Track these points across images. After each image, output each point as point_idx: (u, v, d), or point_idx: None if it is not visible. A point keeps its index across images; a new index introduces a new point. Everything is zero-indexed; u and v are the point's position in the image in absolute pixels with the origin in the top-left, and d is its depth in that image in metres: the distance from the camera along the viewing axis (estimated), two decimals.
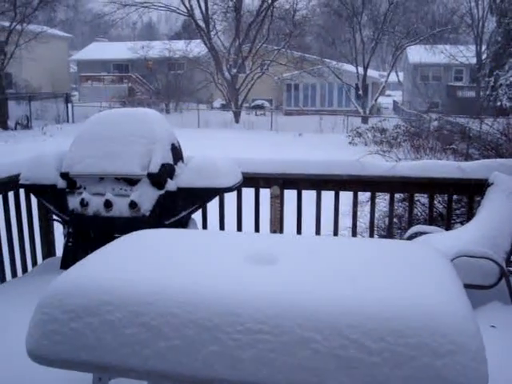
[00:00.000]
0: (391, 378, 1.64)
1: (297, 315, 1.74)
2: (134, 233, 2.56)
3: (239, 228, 4.42)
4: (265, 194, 4.35)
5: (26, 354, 2.31)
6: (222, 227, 4.42)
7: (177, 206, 3.79)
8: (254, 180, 4.20)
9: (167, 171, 3.73)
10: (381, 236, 5.56)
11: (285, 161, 4.31)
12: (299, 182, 4.21)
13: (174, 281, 1.91)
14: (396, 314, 1.72)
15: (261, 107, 37.96)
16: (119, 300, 1.83)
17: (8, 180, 4.10)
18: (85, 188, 3.84)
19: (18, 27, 31.68)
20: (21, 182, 4.05)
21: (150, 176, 3.67)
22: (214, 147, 15.22)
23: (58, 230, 4.78)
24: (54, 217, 4.40)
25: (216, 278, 1.94)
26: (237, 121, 32.43)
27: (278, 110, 37.06)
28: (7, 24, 31.48)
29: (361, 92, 35.47)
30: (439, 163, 4.22)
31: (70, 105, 31.47)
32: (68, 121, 29.93)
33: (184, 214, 3.83)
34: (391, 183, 4.09)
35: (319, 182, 4.18)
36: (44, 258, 4.72)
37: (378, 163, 4.29)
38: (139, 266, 2.04)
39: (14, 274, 4.36)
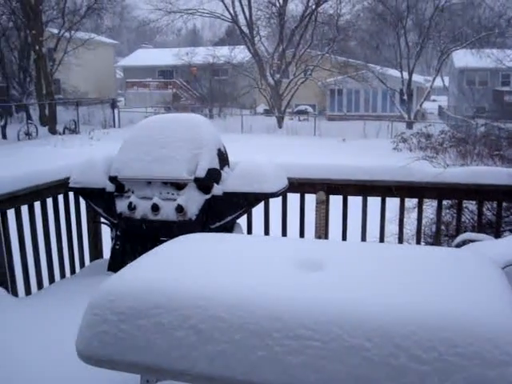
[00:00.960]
0: None
1: (346, 322, 1.72)
2: (183, 236, 2.58)
3: (284, 233, 4.42)
4: (310, 199, 4.33)
5: (73, 354, 2.36)
6: (266, 232, 4.42)
7: (222, 210, 3.81)
8: (299, 185, 4.19)
9: (213, 176, 3.76)
10: (428, 243, 5.47)
11: (331, 166, 4.28)
12: (345, 188, 4.17)
13: (223, 285, 1.91)
14: (448, 323, 1.69)
15: (304, 112, 37.90)
16: (169, 303, 1.85)
17: (58, 183, 4.19)
18: (133, 192, 3.90)
19: (67, 34, 32.49)
20: (70, 185, 4.14)
21: (197, 180, 3.70)
22: (258, 152, 15.27)
23: (105, 232, 4.87)
24: (102, 219, 4.48)
25: (265, 283, 1.94)
26: (280, 126, 32.45)
27: (322, 116, 36.92)
28: (56, 31, 32.32)
29: (405, 97, 35.05)
30: (489, 169, 4.13)
31: (116, 110, 32.03)
32: (114, 126, 30.46)
33: (229, 218, 3.85)
34: (439, 189, 4.02)
35: (365, 188, 4.14)
36: (91, 259, 4.81)
37: (426, 169, 4.22)
38: (188, 270, 2.06)
39: (63, 275, 4.45)
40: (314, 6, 33.79)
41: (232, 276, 2.01)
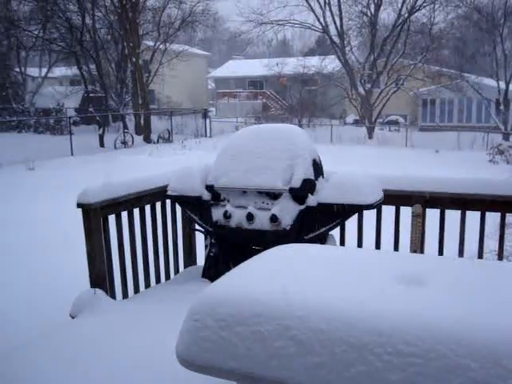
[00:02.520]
0: None
1: (451, 340, 1.67)
2: (279, 247, 2.59)
3: (377, 246, 4.34)
4: (404, 212, 4.24)
5: (169, 357, 2.42)
6: (359, 245, 4.36)
7: (317, 221, 3.80)
8: (394, 197, 4.11)
9: (308, 186, 3.76)
10: None
11: (427, 178, 4.17)
12: (443, 201, 4.05)
13: (323, 297, 1.90)
14: None
15: (395, 123, 37.22)
16: (270, 312, 1.86)
17: (157, 190, 4.33)
18: (228, 201, 3.96)
19: (162, 47, 33.62)
20: (168, 192, 4.27)
21: (292, 191, 3.71)
22: (348, 163, 15.13)
23: (199, 240, 4.97)
24: (197, 227, 4.58)
25: (365, 296, 1.91)
26: (370, 136, 32.02)
27: (413, 126, 36.10)
28: (151, 44, 33.53)
29: (502, 107, 33.65)
30: None
31: (207, 120, 32.75)
32: (205, 135, 31.14)
33: (323, 229, 3.83)
34: None
35: (465, 202, 4.00)
36: (185, 266, 4.93)
37: None
38: (288, 280, 2.06)
39: (158, 281, 4.58)
40: (406, 15, 33.20)
41: (331, 288, 1.99)
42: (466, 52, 35.30)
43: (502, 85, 33.54)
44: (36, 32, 31.57)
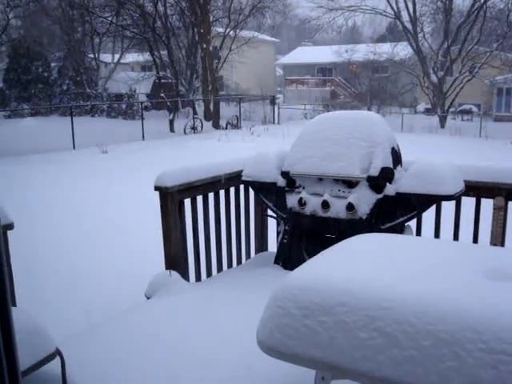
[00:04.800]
0: None
1: None
2: (360, 236, 2.54)
3: (455, 238, 4.21)
4: (485, 204, 4.09)
5: (246, 341, 2.42)
6: (437, 237, 4.24)
7: (394, 211, 3.72)
8: (475, 189, 3.96)
9: (387, 175, 3.68)
10: None
11: (511, 170, 4.00)
12: None
13: (411, 289, 1.85)
14: None
15: (468, 112, 36.08)
16: (355, 302, 1.83)
17: (231, 175, 4.35)
18: (303, 187, 3.93)
19: (231, 33, 33.72)
20: (243, 178, 4.27)
21: (370, 179, 3.64)
22: (422, 152, 14.78)
23: (271, 226, 4.97)
24: (269, 213, 4.58)
25: (454, 290, 1.85)
26: (442, 126, 31.15)
27: (487, 116, 34.90)
28: (221, 30, 33.69)
29: None
30: None
31: (275, 107, 32.71)
32: (273, 122, 31.11)
33: (401, 220, 3.74)
34: None
35: None
36: (257, 251, 4.94)
37: None
38: (372, 270, 2.02)
39: (230, 265, 4.61)
40: (482, 0, 31.99)
41: (418, 280, 1.94)
42: None
43: None
44: (110, 19, 32.30)
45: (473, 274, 1.98)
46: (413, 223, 4.16)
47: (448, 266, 2.09)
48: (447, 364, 1.66)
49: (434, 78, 32.95)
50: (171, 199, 3.88)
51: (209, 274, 4.39)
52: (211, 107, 29.16)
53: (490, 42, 34.08)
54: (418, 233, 4.28)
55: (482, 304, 1.75)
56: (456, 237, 4.22)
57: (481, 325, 1.67)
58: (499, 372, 1.61)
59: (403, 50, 35.29)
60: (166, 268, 3.99)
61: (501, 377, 1.60)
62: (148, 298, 3.79)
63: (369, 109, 35.33)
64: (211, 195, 4.29)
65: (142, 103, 26.95)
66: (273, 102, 33.80)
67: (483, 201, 4.08)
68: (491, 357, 1.63)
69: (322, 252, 2.29)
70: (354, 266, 2.09)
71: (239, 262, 4.72)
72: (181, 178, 3.94)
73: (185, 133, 24.12)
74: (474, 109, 37.36)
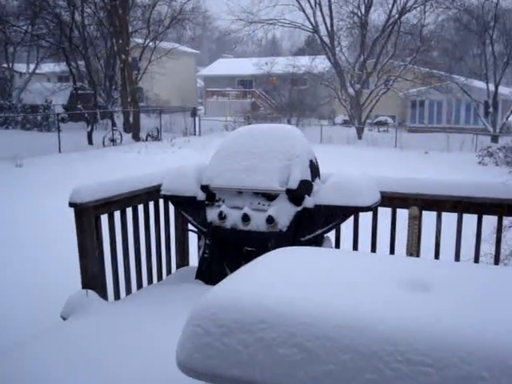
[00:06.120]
0: None
1: (462, 349, 1.62)
2: (279, 250, 2.54)
3: (373, 249, 4.30)
4: (401, 214, 4.20)
5: (165, 359, 2.36)
6: (355, 248, 4.32)
7: (313, 223, 3.75)
8: (391, 199, 4.07)
9: (305, 188, 3.71)
10: None
11: (424, 180, 4.14)
12: (440, 204, 4.02)
13: (329, 303, 1.85)
14: None
15: (384, 123, 37.32)
16: (274, 319, 1.81)
17: (150, 190, 4.26)
18: (223, 201, 3.91)
19: (151, 44, 33.45)
20: (162, 192, 4.20)
21: (289, 192, 3.66)
22: (340, 164, 15.10)
23: (192, 240, 4.91)
24: (190, 227, 4.52)
25: (371, 302, 1.86)
26: (360, 137, 32.08)
27: (402, 127, 36.21)
28: (141, 41, 33.36)
29: (491, 109, 33.84)
30: None
31: (196, 118, 32.63)
32: (195, 134, 31.02)
33: (320, 231, 3.78)
34: None
35: (461, 205, 3.97)
36: (178, 267, 4.86)
37: None
38: (290, 285, 2.01)
39: (150, 281, 4.52)
40: (396, 16, 33.29)
41: (336, 294, 1.94)
42: (456, 54, 35.46)
43: (491, 87, 33.74)
44: (24, 27, 31.26)
45: (389, 286, 2.01)
46: (332, 234, 4.21)
47: (365, 279, 2.11)
48: (366, 377, 1.67)
49: (351, 91, 33.94)
50: (87, 215, 3.75)
51: (128, 291, 4.27)
52: (131, 119, 28.73)
53: (403, 56, 35.48)
54: (337, 243, 4.34)
55: (398, 315, 1.77)
56: (374, 247, 4.31)
57: (397, 337, 1.69)
58: (418, 383, 1.62)
59: (321, 64, 36.17)
60: (83, 287, 3.85)
61: None
62: (64, 319, 3.64)
63: (289, 121, 35.92)
64: (129, 210, 4.18)
65: (58, 115, 26.18)
66: (194, 113, 33.76)
67: (400, 211, 4.20)
68: (409, 368, 1.64)
69: (241, 268, 2.27)
70: (272, 281, 2.07)
71: (160, 277, 4.62)
72: (97, 193, 3.81)
73: (104, 145, 23.63)
74: (390, 120, 38.76)
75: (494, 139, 30.90)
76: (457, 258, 4.12)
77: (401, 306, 1.85)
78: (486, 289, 2.02)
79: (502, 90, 36.60)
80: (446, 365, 1.62)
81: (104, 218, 3.97)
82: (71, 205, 3.73)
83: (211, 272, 4.02)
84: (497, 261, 4.15)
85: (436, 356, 1.63)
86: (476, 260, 4.12)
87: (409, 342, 1.67)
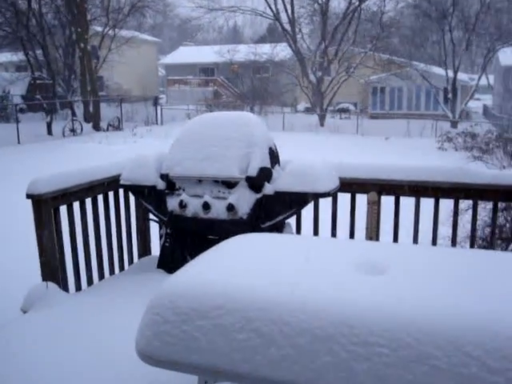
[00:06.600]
0: None
1: (415, 329, 1.67)
2: (238, 237, 2.55)
3: (333, 234, 4.36)
4: (360, 199, 4.26)
5: (127, 351, 2.35)
6: (316, 233, 4.36)
7: (273, 209, 3.77)
8: (350, 185, 4.12)
9: (265, 175, 3.72)
10: (480, 247, 5.33)
11: (382, 166, 4.19)
12: (398, 189, 4.09)
13: (285, 287, 1.88)
14: None
15: (346, 110, 37.59)
16: (232, 305, 1.82)
17: (109, 180, 4.22)
18: (184, 190, 3.89)
19: (111, 32, 32.94)
20: (121, 182, 4.16)
21: (249, 179, 3.67)
22: (302, 151, 15.19)
23: (153, 229, 4.89)
24: (151, 217, 4.50)
25: (327, 286, 1.89)
26: (322, 124, 32.25)
27: (364, 114, 36.55)
28: (100, 29, 32.83)
29: (450, 95, 34.38)
30: None
31: (158, 107, 32.33)
32: (156, 123, 30.74)
33: (280, 218, 3.81)
34: (496, 191, 3.90)
35: (419, 189, 4.04)
36: (140, 256, 4.84)
37: (482, 171, 4.10)
38: (247, 271, 2.03)
39: (112, 272, 4.48)
40: (357, 3, 33.43)
41: (292, 278, 1.97)
42: (416, 41, 35.86)
43: (450, 73, 34.25)
44: None
45: (346, 269, 2.04)
46: (293, 220, 4.25)
47: (322, 263, 2.14)
48: (323, 360, 1.70)
49: (312, 78, 34.04)
50: (45, 207, 3.70)
51: (90, 282, 4.24)
52: (91, 108, 28.31)
53: (364, 43, 35.69)
54: (298, 230, 4.38)
55: (354, 298, 1.80)
56: (334, 232, 4.37)
57: (352, 319, 1.72)
58: (373, 364, 1.66)
59: (283, 51, 36.16)
60: (43, 279, 3.80)
61: (375, 368, 1.65)
62: (24, 312, 3.59)
63: (251, 108, 35.86)
64: (89, 201, 4.14)
65: (16, 105, 25.61)
66: (155, 102, 33.45)
67: (359, 196, 4.25)
68: (364, 349, 1.68)
69: (200, 255, 2.27)
70: (230, 267, 2.08)
71: (122, 268, 4.60)
72: (55, 184, 3.76)
73: (64, 136, 23.24)
74: (352, 107, 39.03)
75: (454, 125, 31.42)
76: (415, 241, 4.20)
77: (357, 288, 1.88)
78: (442, 271, 2.07)
79: (461, 76, 37.21)
80: (401, 345, 1.66)
81: (63, 210, 3.92)
82: (29, 196, 3.68)
83: (173, 261, 4.02)
84: (454, 244, 4.25)
85: (390, 337, 1.67)
86: (434, 243, 4.21)
87: (364, 323, 1.70)
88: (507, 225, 5.31)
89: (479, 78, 35.72)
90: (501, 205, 5.38)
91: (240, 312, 1.81)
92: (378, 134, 26.38)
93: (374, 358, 1.66)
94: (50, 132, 23.75)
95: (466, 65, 55.04)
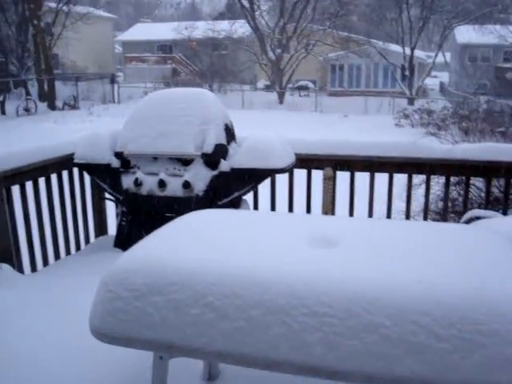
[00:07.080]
0: (461, 365, 1.59)
1: (364, 300, 1.70)
2: (192, 213, 2.55)
3: (290, 209, 4.39)
4: (316, 175, 4.30)
5: (83, 330, 2.34)
6: (273, 208, 4.39)
7: (230, 186, 3.78)
8: (306, 161, 4.15)
9: (221, 151, 3.72)
10: (434, 220, 5.45)
11: (338, 142, 4.23)
12: (353, 164, 4.14)
13: (238, 262, 1.89)
14: (464, 300, 1.67)
15: (305, 88, 37.64)
16: (184, 280, 1.83)
17: (63, 159, 4.15)
18: (139, 167, 3.86)
19: (65, 8, 32.10)
20: (75, 160, 4.10)
21: (204, 156, 3.66)
22: (261, 128, 15.18)
23: (110, 208, 4.84)
24: (107, 195, 4.45)
25: (279, 259, 1.92)
26: (281, 102, 32.26)
27: (322, 91, 36.69)
28: (54, 5, 31.94)
29: (407, 73, 34.78)
30: (498, 146, 4.08)
31: (115, 85, 31.80)
32: (114, 101, 30.26)
33: (237, 194, 3.82)
34: (448, 166, 3.98)
35: (373, 164, 4.10)
36: (96, 236, 4.79)
37: (435, 146, 4.18)
38: (201, 247, 2.03)
39: (68, 252, 4.43)
40: None
41: (246, 252, 1.98)
42: (374, 18, 36.06)
43: (408, 51, 34.61)
44: None
45: (299, 243, 2.07)
46: (250, 196, 4.27)
47: (275, 237, 2.16)
48: (275, 331, 1.72)
49: (271, 56, 33.97)
50: None
51: (45, 263, 4.18)
52: (46, 87, 27.64)
53: (323, 20, 35.69)
54: (256, 206, 4.40)
55: (303, 269, 1.83)
56: (291, 207, 4.40)
57: (302, 291, 1.75)
58: (325, 334, 1.69)
59: (241, 28, 35.88)
60: None
61: (326, 338, 1.69)
62: None
63: (210, 86, 35.57)
64: (42, 180, 4.07)
65: None
66: (112, 80, 32.85)
67: (315, 172, 4.29)
68: (315, 320, 1.71)
69: (153, 232, 2.27)
70: (183, 243, 2.08)
71: (78, 248, 4.55)
72: (7, 164, 3.68)
73: (18, 115, 22.70)
74: (311, 85, 39.08)
75: (411, 102, 31.85)
76: (370, 215, 4.27)
77: (307, 260, 1.91)
78: (392, 244, 2.11)
79: (418, 53, 37.65)
80: (350, 315, 1.69)
81: (15, 189, 3.85)
82: None
83: (129, 240, 3.99)
84: (407, 217, 4.34)
85: (339, 307, 1.71)
86: (388, 216, 4.29)
87: (313, 294, 1.73)
88: (459, 198, 5.43)
89: (436, 56, 36.24)
90: (454, 179, 5.51)
91: (193, 287, 1.82)
92: (336, 111, 26.57)
93: (325, 328, 1.69)
94: (3, 112, 23.18)
95: (423, 42, 55.58)
